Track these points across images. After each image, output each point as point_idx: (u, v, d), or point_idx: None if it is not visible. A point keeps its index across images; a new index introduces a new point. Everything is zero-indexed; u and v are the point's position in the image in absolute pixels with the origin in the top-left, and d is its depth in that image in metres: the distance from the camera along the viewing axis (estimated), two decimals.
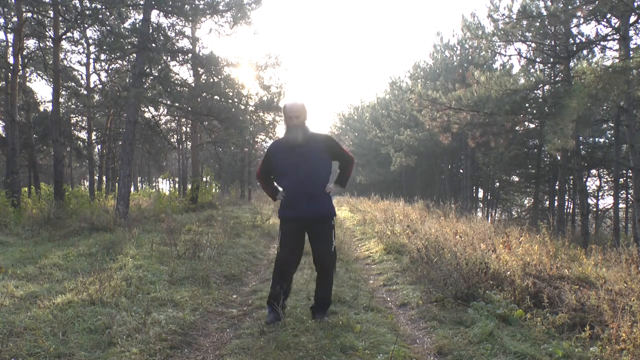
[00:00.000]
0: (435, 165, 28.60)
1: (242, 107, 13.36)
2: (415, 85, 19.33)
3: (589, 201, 20.01)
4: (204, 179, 22.80)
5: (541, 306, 3.73)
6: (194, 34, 15.62)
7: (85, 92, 18.46)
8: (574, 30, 12.50)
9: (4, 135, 15.27)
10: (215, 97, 12.73)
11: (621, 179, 18.24)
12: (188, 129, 24.24)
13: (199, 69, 13.93)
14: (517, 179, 23.67)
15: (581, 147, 16.69)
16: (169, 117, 22.58)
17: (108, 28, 12.10)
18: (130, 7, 13.42)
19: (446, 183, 26.61)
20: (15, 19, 13.24)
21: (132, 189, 20.17)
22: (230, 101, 13.11)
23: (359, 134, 37.21)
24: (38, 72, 18.87)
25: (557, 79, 13.78)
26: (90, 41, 16.51)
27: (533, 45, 13.35)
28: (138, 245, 6.70)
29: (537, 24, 11.01)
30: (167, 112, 19.64)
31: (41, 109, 20.23)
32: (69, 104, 21.44)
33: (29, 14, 13.53)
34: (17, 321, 3.31)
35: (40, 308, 3.64)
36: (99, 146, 22.65)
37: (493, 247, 5.68)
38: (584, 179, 18.33)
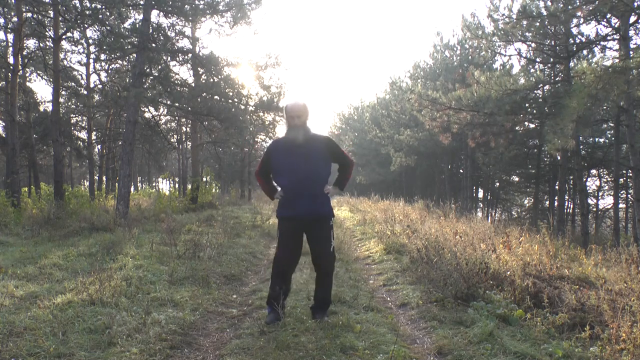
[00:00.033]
0: (435, 165, 28.60)
1: (242, 107, 13.36)
2: (415, 85, 19.33)
3: (589, 201, 20.02)
4: (204, 179, 22.80)
5: (541, 306, 3.73)
6: (194, 34, 15.63)
7: (85, 92, 18.47)
8: (574, 30, 12.52)
9: (4, 135, 15.27)
10: (215, 97, 12.74)
11: (621, 179, 18.24)
12: (188, 129, 24.25)
13: (199, 69, 13.93)
14: (517, 179, 23.68)
15: (581, 147, 16.69)
16: (169, 117, 22.58)
17: (108, 28, 12.10)
18: (130, 7, 13.42)
19: (446, 183, 26.61)
20: (15, 19, 13.24)
21: (132, 189, 20.17)
22: (230, 101, 13.12)
23: (359, 134, 37.22)
24: (38, 72, 18.87)
25: (557, 79, 13.78)
26: (90, 41, 16.53)
27: (533, 45, 13.36)
28: (138, 245, 6.70)
29: (537, 24, 11.01)
30: (167, 112, 19.65)
31: (41, 109, 20.23)
32: (69, 104, 21.44)
33: (29, 14, 13.53)
34: (17, 321, 3.31)
35: (40, 308, 3.64)
36: (99, 146, 22.66)
37: (493, 247, 5.68)
38: (584, 179, 18.33)
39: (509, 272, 4.51)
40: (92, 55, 18.12)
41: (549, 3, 10.76)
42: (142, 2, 11.44)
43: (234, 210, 14.51)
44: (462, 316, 3.67)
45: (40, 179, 19.60)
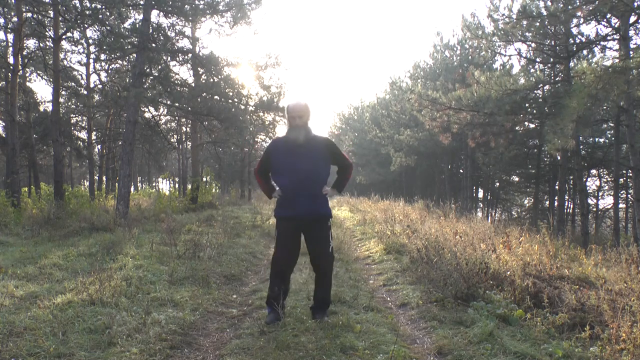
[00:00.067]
0: (435, 165, 28.61)
1: (242, 107, 13.36)
2: (415, 85, 19.33)
3: (589, 201, 20.02)
4: (204, 179, 22.80)
5: (541, 306, 3.73)
6: (194, 34, 15.63)
7: (85, 92, 18.47)
8: (574, 30, 12.52)
9: (4, 135, 15.27)
10: (215, 97, 12.74)
11: (621, 179, 18.24)
12: (188, 129, 24.25)
13: (199, 69, 13.94)
14: (517, 179, 23.68)
15: (581, 147, 16.69)
16: (169, 117, 22.59)
17: (108, 28, 12.10)
18: (130, 7, 13.42)
19: (446, 183, 26.61)
20: (15, 19, 13.24)
21: (132, 189, 20.17)
22: (230, 101, 13.12)
23: (359, 134, 37.22)
24: (38, 72, 18.87)
25: (557, 79, 13.78)
26: (90, 41, 16.54)
27: (533, 45, 13.36)
28: (138, 245, 6.70)
29: (537, 24, 11.01)
30: (167, 112, 19.66)
31: (41, 109, 20.23)
32: (69, 104, 21.45)
33: (29, 14, 13.53)
34: (17, 321, 3.31)
35: (40, 308, 3.64)
36: (99, 146, 22.66)
37: (493, 247, 5.68)
38: (584, 179, 18.33)
39: (509, 272, 4.51)
40: (92, 55, 18.13)
41: (549, 3, 10.77)
42: (142, 2, 11.44)
43: (234, 210, 14.51)
44: (462, 316, 3.67)
45: (40, 179, 19.60)
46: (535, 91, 13.64)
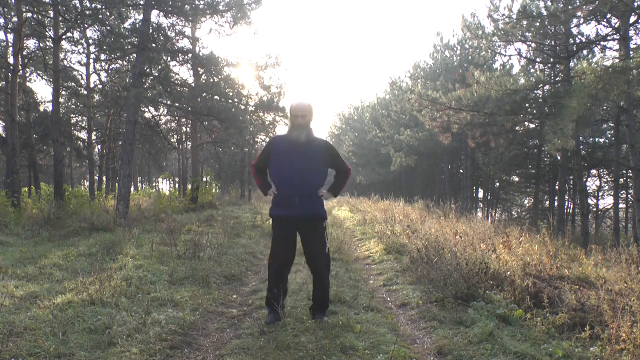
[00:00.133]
0: (435, 165, 28.61)
1: (242, 107, 13.37)
2: (415, 85, 19.34)
3: (589, 201, 20.02)
4: (204, 179, 22.80)
5: (541, 306, 3.73)
6: (194, 34, 15.64)
7: (85, 92, 18.47)
8: (574, 30, 12.52)
9: (4, 135, 15.27)
10: (215, 97, 12.75)
11: (621, 179, 18.25)
12: (188, 129, 24.26)
13: (199, 69, 13.94)
14: (517, 179, 23.68)
15: (581, 147, 16.69)
16: (169, 117, 22.60)
17: (108, 28, 12.11)
18: (130, 7, 13.43)
19: (446, 183, 26.61)
20: (15, 19, 13.24)
21: (132, 189, 20.19)
22: (230, 101, 13.12)
23: (359, 134, 37.21)
24: (38, 72, 18.88)
25: (557, 79, 13.78)
26: (90, 41, 16.54)
27: (533, 45, 13.36)
28: (138, 245, 6.70)
29: (537, 24, 11.01)
30: (167, 112, 19.66)
31: (41, 109, 20.24)
32: (69, 104, 21.45)
33: (29, 14, 13.53)
34: (17, 321, 3.31)
35: (40, 308, 3.64)
36: (99, 146, 22.66)
37: (493, 247, 5.68)
38: (584, 179, 18.33)
39: (509, 272, 4.51)
40: (92, 55, 18.14)
41: (549, 3, 10.77)
42: (142, 2, 11.44)
43: (234, 210, 14.51)
44: (462, 316, 3.67)
45: (40, 179, 19.60)
46: (535, 91, 13.64)
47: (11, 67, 12.72)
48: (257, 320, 3.57)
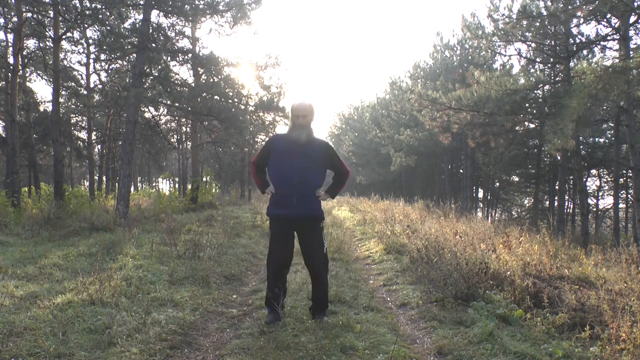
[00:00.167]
0: (435, 165, 28.61)
1: (242, 107, 13.37)
2: (415, 85, 19.35)
3: (589, 201, 20.02)
4: (204, 179, 22.80)
5: (541, 306, 3.73)
6: (194, 34, 15.64)
7: (85, 92, 18.47)
8: (574, 30, 12.52)
9: (4, 135, 15.27)
10: (215, 97, 12.75)
11: (621, 179, 18.25)
12: (188, 129, 24.26)
13: (199, 69, 13.94)
14: (517, 179, 23.69)
15: (581, 147, 16.70)
16: (169, 117, 22.60)
17: (108, 28, 12.12)
18: (130, 7, 13.43)
19: (446, 183, 26.62)
20: (15, 19, 13.24)
21: (132, 189, 20.19)
22: (230, 101, 13.12)
23: (359, 134, 37.22)
24: (38, 72, 18.88)
25: (557, 79, 13.78)
26: (90, 41, 16.55)
27: (533, 45, 13.36)
28: (138, 245, 6.70)
29: (537, 24, 11.01)
30: (167, 112, 19.66)
31: (41, 109, 20.24)
32: (69, 104, 21.45)
33: (29, 14, 13.53)
34: (17, 321, 3.31)
35: (40, 308, 3.64)
36: (99, 146, 22.66)
37: (493, 247, 5.68)
38: (584, 179, 18.33)
39: (509, 272, 4.51)
40: (92, 55, 18.14)
41: (549, 3, 10.77)
42: (142, 2, 11.44)
43: (234, 210, 14.51)
44: (462, 316, 3.67)
45: (40, 179, 19.60)
46: (535, 91, 13.64)
47: (11, 67, 12.72)
48: (257, 320, 3.57)
